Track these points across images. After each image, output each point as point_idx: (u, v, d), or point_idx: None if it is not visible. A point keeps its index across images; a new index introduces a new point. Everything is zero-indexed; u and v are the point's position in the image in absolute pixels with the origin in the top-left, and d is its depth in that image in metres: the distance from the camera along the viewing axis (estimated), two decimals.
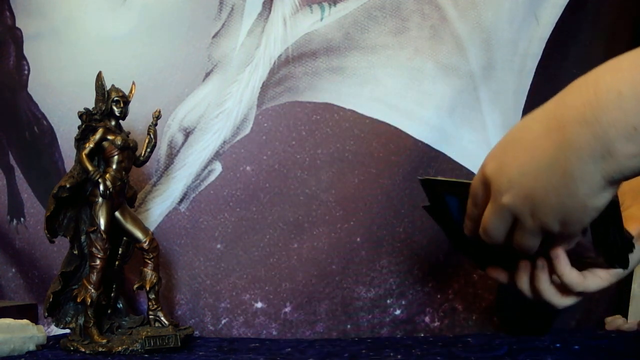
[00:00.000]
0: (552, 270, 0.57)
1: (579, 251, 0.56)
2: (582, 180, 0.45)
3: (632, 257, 0.57)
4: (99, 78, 0.88)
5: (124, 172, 0.88)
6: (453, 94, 1.01)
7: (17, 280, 1.08)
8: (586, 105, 0.44)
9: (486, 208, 0.53)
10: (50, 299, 0.87)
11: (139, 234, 0.89)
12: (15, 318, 0.83)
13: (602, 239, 0.54)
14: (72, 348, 0.84)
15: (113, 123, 0.89)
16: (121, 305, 0.92)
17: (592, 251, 0.55)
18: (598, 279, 0.57)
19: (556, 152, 0.46)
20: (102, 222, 0.85)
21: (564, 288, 0.58)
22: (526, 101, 1.02)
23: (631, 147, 0.42)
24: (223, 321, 1.00)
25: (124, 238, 0.91)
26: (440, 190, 0.60)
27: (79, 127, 0.87)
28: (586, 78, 0.46)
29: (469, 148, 1.01)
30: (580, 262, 0.57)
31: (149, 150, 0.92)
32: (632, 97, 0.42)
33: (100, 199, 0.86)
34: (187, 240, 1.02)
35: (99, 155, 0.88)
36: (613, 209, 0.52)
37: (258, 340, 0.96)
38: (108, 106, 0.88)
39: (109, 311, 0.90)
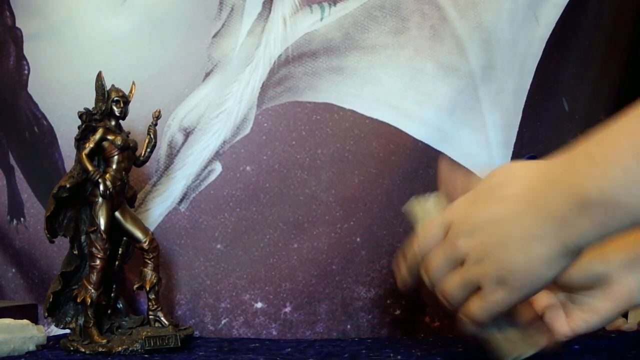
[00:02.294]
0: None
1: None
2: (540, 242, 0.46)
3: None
4: (99, 78, 0.88)
5: (124, 172, 0.88)
6: (453, 94, 1.01)
7: (17, 280, 1.08)
8: (562, 168, 0.46)
9: (434, 251, 0.54)
10: (50, 299, 0.87)
11: (139, 234, 0.89)
12: (15, 318, 0.83)
13: None
14: (72, 348, 0.84)
15: (113, 123, 0.89)
16: (121, 305, 0.92)
17: None
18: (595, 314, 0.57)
19: (526, 208, 0.47)
20: (102, 222, 0.85)
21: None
22: (526, 101, 1.02)
23: (596, 211, 0.43)
24: (223, 321, 1.00)
25: (124, 238, 0.91)
26: None
27: (79, 127, 0.87)
28: (572, 149, 0.47)
29: (469, 148, 1.01)
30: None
31: (149, 150, 0.92)
32: (602, 161, 0.43)
33: (100, 199, 0.86)
34: (187, 240, 1.02)
35: (99, 155, 0.87)
36: None
37: (258, 340, 0.96)
38: (108, 106, 0.88)
39: (109, 311, 0.90)
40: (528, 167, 0.50)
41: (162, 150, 1.03)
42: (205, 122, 1.03)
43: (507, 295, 0.49)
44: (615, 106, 1.00)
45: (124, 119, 0.90)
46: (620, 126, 0.45)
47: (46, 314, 0.88)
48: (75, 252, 0.88)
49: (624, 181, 0.42)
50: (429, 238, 0.55)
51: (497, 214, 0.49)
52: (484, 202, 0.51)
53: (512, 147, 1.02)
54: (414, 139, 1.00)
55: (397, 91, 1.01)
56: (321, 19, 1.02)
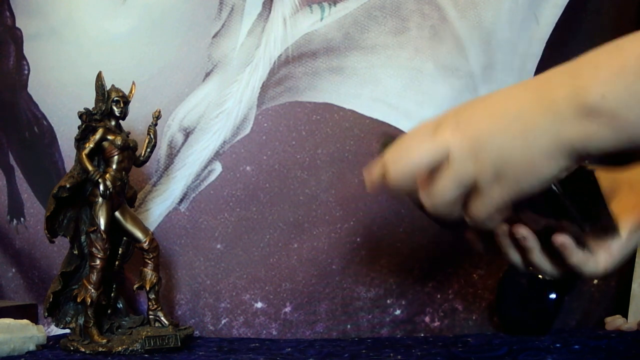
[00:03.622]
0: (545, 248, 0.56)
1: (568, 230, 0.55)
2: (540, 134, 0.45)
3: (623, 249, 0.56)
4: (99, 78, 0.88)
5: (124, 172, 0.88)
6: (453, 94, 1.01)
7: (17, 280, 1.08)
8: (566, 71, 0.47)
9: (420, 145, 0.51)
10: (50, 299, 0.87)
11: (139, 234, 0.89)
12: (15, 318, 0.83)
13: (584, 209, 0.53)
14: (72, 348, 0.84)
15: (113, 123, 0.89)
16: (121, 305, 0.92)
17: (575, 220, 0.54)
18: (595, 264, 0.56)
19: (525, 105, 0.46)
20: (102, 222, 0.85)
21: (554, 261, 0.57)
22: None
23: (596, 116, 0.43)
24: (223, 321, 1.00)
25: (124, 238, 0.91)
26: None
27: (79, 127, 0.87)
28: (572, 60, 0.48)
29: None
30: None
31: (149, 150, 0.92)
32: (606, 70, 0.45)
33: (100, 199, 0.86)
34: (187, 240, 1.02)
35: (99, 155, 0.88)
36: (590, 182, 0.51)
37: (258, 340, 0.96)
38: (108, 106, 0.88)
39: (109, 311, 0.90)
40: (525, 82, 0.49)
41: (162, 150, 1.03)
42: (205, 122, 1.03)
43: (504, 191, 0.47)
44: None
45: (124, 119, 0.90)
46: (630, 42, 0.46)
47: (46, 314, 0.88)
48: (75, 252, 0.88)
49: (625, 95, 0.43)
50: (415, 134, 0.52)
51: (495, 109, 0.47)
52: (480, 104, 0.49)
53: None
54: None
55: (397, 91, 1.01)
56: (321, 19, 1.02)
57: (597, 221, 0.54)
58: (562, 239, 0.54)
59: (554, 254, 0.56)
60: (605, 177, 0.55)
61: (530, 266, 0.58)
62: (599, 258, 0.56)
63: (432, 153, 0.49)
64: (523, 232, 0.55)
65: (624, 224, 0.56)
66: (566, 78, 0.46)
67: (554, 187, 0.49)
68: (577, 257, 0.55)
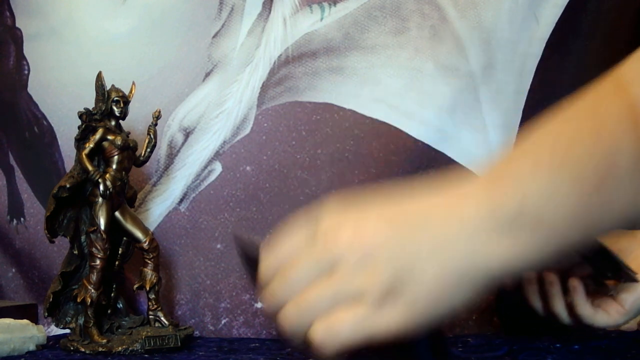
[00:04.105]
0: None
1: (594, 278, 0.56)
2: (453, 250, 0.37)
3: (636, 303, 0.58)
4: (99, 78, 0.88)
5: (124, 172, 0.88)
6: (453, 94, 1.01)
7: (17, 280, 1.08)
8: (477, 185, 0.39)
9: (298, 256, 0.40)
10: (50, 299, 0.87)
11: (139, 234, 0.89)
12: (15, 318, 0.83)
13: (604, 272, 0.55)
14: (72, 348, 0.84)
15: (113, 123, 0.89)
16: (121, 305, 0.92)
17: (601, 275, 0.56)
18: (607, 316, 0.58)
19: (436, 211, 0.39)
20: (102, 222, 0.85)
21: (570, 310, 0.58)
22: (526, 101, 1.02)
23: (518, 224, 0.37)
24: (223, 321, 1.00)
25: (124, 238, 0.91)
26: None
27: (79, 127, 0.87)
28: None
29: (469, 148, 1.01)
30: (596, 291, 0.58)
31: (149, 150, 0.92)
32: (518, 173, 0.38)
33: (100, 199, 0.86)
34: (187, 240, 1.02)
35: (99, 155, 0.87)
36: (604, 254, 0.52)
37: (258, 340, 0.96)
38: (108, 106, 0.88)
39: (109, 311, 0.90)
40: (441, 191, 0.41)
41: (162, 150, 1.03)
42: (205, 122, 1.03)
43: (395, 314, 0.37)
44: None
45: (124, 119, 0.90)
46: (541, 133, 0.39)
47: (46, 314, 0.88)
48: (75, 252, 0.88)
49: (545, 195, 0.36)
50: (290, 243, 0.41)
51: (393, 214, 0.39)
52: (376, 213, 0.40)
53: (512, 147, 1.02)
54: (414, 139, 1.00)
55: (397, 91, 1.01)
56: (321, 19, 1.02)
57: (619, 278, 0.56)
58: (575, 283, 0.56)
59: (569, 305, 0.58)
60: (623, 242, 0.57)
61: (550, 313, 0.59)
62: (611, 313, 0.58)
63: (316, 268, 0.39)
64: (551, 278, 0.56)
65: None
66: (479, 190, 0.38)
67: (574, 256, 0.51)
68: (585, 309, 0.57)
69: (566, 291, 0.58)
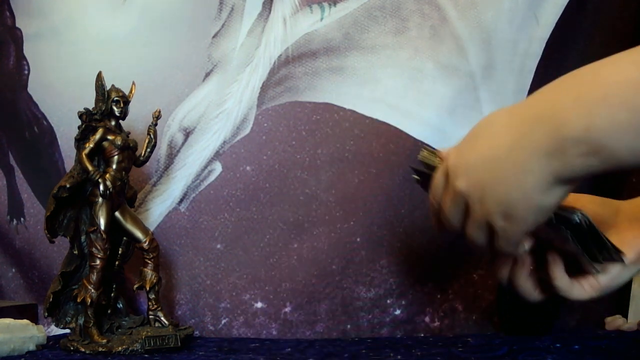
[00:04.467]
0: (535, 267, 0.59)
1: (569, 254, 0.56)
2: (531, 173, 0.47)
3: (612, 280, 0.59)
4: (99, 78, 0.88)
5: (124, 172, 0.88)
6: (453, 94, 1.01)
7: (17, 280, 1.08)
8: (545, 104, 0.48)
9: (443, 200, 0.55)
10: (50, 299, 0.87)
11: (139, 234, 0.89)
12: (15, 318, 0.83)
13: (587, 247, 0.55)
14: (72, 348, 0.84)
15: (113, 123, 0.89)
16: (121, 305, 0.92)
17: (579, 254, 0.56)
18: (582, 290, 0.59)
19: (513, 143, 0.48)
20: (102, 222, 0.85)
21: (540, 285, 0.60)
22: None
23: (581, 147, 0.44)
24: (223, 321, 1.00)
25: (124, 238, 0.91)
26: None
27: (79, 127, 0.87)
28: (548, 85, 0.49)
29: None
30: (572, 268, 0.58)
31: (149, 150, 0.92)
32: (588, 101, 0.44)
33: (100, 199, 0.86)
34: (187, 240, 1.02)
35: (99, 155, 0.88)
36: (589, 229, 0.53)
37: (258, 340, 0.96)
38: (108, 106, 0.88)
39: (109, 311, 0.90)
40: (511, 107, 0.51)
41: (162, 150, 1.03)
42: (205, 122, 1.03)
43: (516, 227, 0.50)
44: None
45: (124, 119, 0.90)
46: (609, 69, 0.46)
47: (46, 314, 0.88)
48: (75, 252, 0.88)
49: (610, 126, 0.43)
50: (436, 188, 0.57)
51: (486, 151, 0.50)
52: (474, 143, 0.52)
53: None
54: (414, 139, 1.00)
55: (397, 91, 1.01)
56: (321, 19, 1.02)
57: (606, 256, 0.56)
58: (552, 258, 0.57)
59: (542, 279, 0.59)
60: (606, 213, 0.59)
61: (514, 285, 0.60)
62: (585, 287, 0.59)
63: (457, 208, 0.54)
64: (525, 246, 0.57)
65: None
66: (548, 109, 0.47)
67: (564, 231, 0.53)
68: (562, 281, 0.58)
69: (544, 264, 0.58)
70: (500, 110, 0.52)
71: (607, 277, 0.59)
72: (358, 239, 1.00)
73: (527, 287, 0.60)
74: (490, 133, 0.51)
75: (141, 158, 0.92)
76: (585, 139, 0.44)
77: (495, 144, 0.50)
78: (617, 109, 0.43)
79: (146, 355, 0.81)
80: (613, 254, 0.56)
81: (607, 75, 0.45)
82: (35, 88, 1.08)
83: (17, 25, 1.09)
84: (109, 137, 0.87)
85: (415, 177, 0.64)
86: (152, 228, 0.99)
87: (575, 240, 0.54)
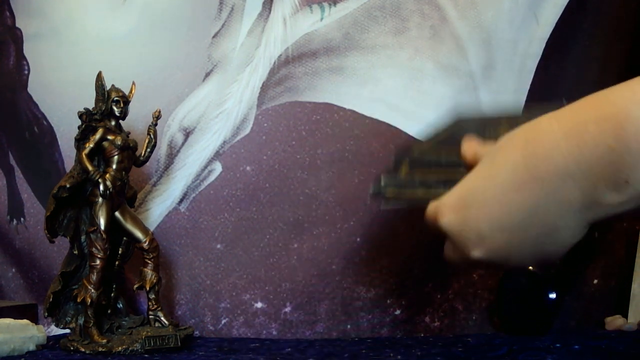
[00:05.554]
0: None
1: None
2: (565, 228, 0.44)
3: None
4: (99, 78, 0.88)
5: (124, 172, 0.88)
6: (453, 94, 1.01)
7: (17, 280, 1.08)
8: (568, 158, 0.42)
9: (449, 249, 0.52)
10: (50, 299, 0.87)
11: (139, 234, 0.89)
12: (15, 318, 0.83)
13: None
14: (72, 348, 0.84)
15: (113, 123, 0.89)
16: (121, 305, 0.92)
17: None
18: None
19: (534, 206, 0.44)
20: (102, 222, 0.85)
21: None
22: (526, 101, 1.02)
23: (619, 197, 0.41)
24: (223, 321, 1.00)
25: (124, 238, 0.91)
26: None
27: (79, 127, 0.87)
28: (555, 125, 0.44)
29: None
30: None
31: (149, 150, 0.92)
32: (624, 152, 0.40)
33: (100, 199, 0.86)
34: (187, 240, 1.02)
35: (99, 155, 0.88)
36: None
37: (258, 340, 0.96)
38: (108, 106, 0.88)
39: (109, 311, 0.90)
40: (503, 159, 0.47)
41: (162, 150, 1.03)
42: (205, 122, 1.03)
43: (553, 260, 0.48)
44: None
45: (124, 119, 0.90)
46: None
47: (46, 314, 0.88)
48: (75, 252, 0.88)
49: None
50: (447, 252, 0.54)
51: (499, 216, 0.46)
52: (478, 205, 0.47)
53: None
54: (414, 139, 1.00)
55: (397, 91, 1.01)
56: (321, 19, 1.02)
57: None
58: None
59: None
60: None
61: None
62: None
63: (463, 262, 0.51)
64: None
65: None
66: (570, 168, 0.42)
67: None
68: None
69: None
70: (496, 162, 0.47)
71: None
72: (358, 239, 1.00)
73: None
74: (498, 195, 0.46)
75: (141, 158, 0.92)
76: (624, 189, 0.41)
77: (511, 209, 0.45)
78: None
79: (146, 355, 0.81)
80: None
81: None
82: (35, 88, 1.08)
83: (17, 25, 1.09)
84: (109, 137, 0.87)
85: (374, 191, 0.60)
86: (152, 228, 0.99)
87: None
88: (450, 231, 0.49)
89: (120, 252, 0.92)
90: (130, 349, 0.82)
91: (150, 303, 0.88)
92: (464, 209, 0.48)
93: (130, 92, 0.91)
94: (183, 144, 1.03)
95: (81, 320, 0.87)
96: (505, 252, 0.47)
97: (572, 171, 0.42)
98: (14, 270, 1.08)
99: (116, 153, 0.87)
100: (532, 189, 0.44)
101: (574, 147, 0.42)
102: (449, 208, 0.49)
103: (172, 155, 1.03)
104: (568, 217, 0.44)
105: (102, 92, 0.88)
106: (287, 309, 1.00)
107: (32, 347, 0.83)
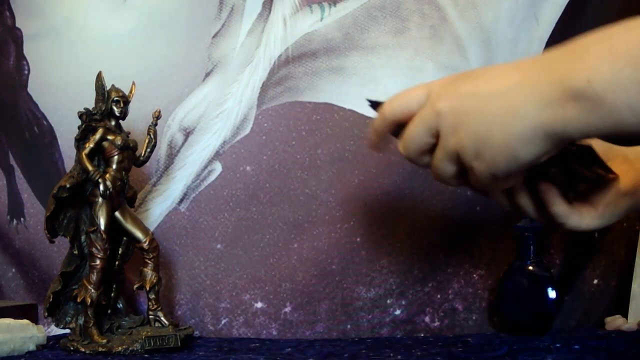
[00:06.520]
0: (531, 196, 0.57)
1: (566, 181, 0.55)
2: (521, 119, 0.46)
3: (611, 210, 0.56)
4: (99, 78, 0.88)
5: (124, 172, 0.88)
6: None
7: (17, 280, 1.08)
8: (554, 56, 0.47)
9: (412, 120, 0.54)
10: (50, 299, 0.87)
11: (139, 234, 0.89)
12: (15, 318, 0.83)
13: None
14: (72, 348, 0.84)
15: (113, 123, 0.89)
16: (121, 305, 0.92)
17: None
18: (580, 218, 0.56)
19: (512, 86, 0.47)
20: (102, 222, 0.85)
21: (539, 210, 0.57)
22: None
23: (580, 100, 0.43)
24: (223, 321, 1.00)
25: (124, 238, 0.91)
26: None
27: (79, 127, 0.87)
28: (563, 44, 0.48)
29: None
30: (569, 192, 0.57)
31: (149, 150, 0.92)
32: (593, 55, 0.44)
33: (100, 199, 0.86)
34: (187, 240, 1.02)
35: (99, 155, 0.88)
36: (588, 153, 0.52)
37: (258, 340, 0.96)
38: (108, 106, 0.88)
39: (109, 311, 0.90)
40: (517, 62, 0.50)
41: (162, 150, 1.03)
42: (205, 122, 1.03)
43: (484, 169, 0.49)
44: None
45: (124, 119, 0.90)
46: (621, 29, 0.46)
47: (46, 314, 0.88)
48: (75, 252, 0.88)
49: (612, 81, 0.42)
50: (405, 102, 0.55)
51: (481, 86, 0.49)
52: (472, 78, 0.51)
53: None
54: None
55: (397, 91, 1.01)
56: (321, 19, 1.02)
57: (596, 177, 0.55)
58: (546, 187, 0.55)
59: (540, 202, 0.56)
60: (600, 148, 0.55)
61: (515, 207, 0.58)
62: (584, 214, 0.56)
63: (426, 131, 0.52)
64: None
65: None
66: (555, 62, 0.46)
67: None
68: (559, 208, 0.55)
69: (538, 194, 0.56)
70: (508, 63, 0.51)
71: (603, 204, 0.56)
72: (358, 239, 1.00)
73: (528, 206, 0.57)
74: (492, 74, 0.50)
75: (141, 158, 0.92)
76: (586, 91, 0.43)
77: (493, 83, 0.48)
78: (621, 64, 0.42)
79: (146, 355, 0.81)
80: (606, 171, 0.54)
81: (617, 34, 0.45)
82: (35, 88, 1.08)
83: (17, 25, 1.09)
84: (109, 137, 0.87)
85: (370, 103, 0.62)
86: (152, 228, 0.99)
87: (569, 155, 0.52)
88: (435, 85, 0.52)
89: (120, 252, 0.92)
90: (130, 349, 0.82)
91: (150, 303, 0.88)
92: (459, 75, 0.52)
93: (130, 92, 0.91)
94: (183, 144, 1.03)
95: (81, 320, 0.87)
96: (463, 113, 0.49)
97: (549, 65, 0.46)
98: (14, 270, 1.08)
99: (116, 153, 0.87)
100: (518, 74, 0.48)
101: (561, 50, 0.47)
102: (448, 77, 0.53)
103: (172, 155, 1.03)
104: (530, 107, 0.45)
105: (102, 92, 0.88)
106: (287, 309, 1.00)
107: (32, 347, 0.83)
